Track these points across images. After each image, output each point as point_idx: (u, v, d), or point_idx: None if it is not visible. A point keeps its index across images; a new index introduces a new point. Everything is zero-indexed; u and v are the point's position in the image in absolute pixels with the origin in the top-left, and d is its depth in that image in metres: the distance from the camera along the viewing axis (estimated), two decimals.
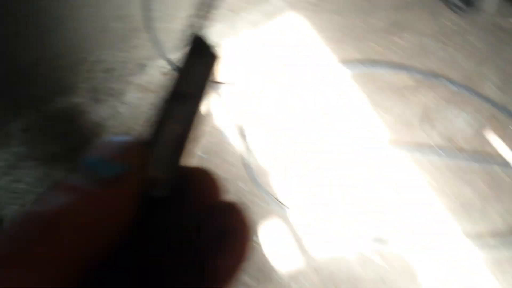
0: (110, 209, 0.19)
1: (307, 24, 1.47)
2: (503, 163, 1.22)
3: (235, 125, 1.29)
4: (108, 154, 0.20)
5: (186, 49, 0.24)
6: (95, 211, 0.18)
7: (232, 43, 1.43)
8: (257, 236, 1.13)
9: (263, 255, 1.14)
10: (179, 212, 0.22)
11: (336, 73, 1.36)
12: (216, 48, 0.25)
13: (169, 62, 1.39)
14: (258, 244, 1.13)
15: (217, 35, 1.45)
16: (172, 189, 0.23)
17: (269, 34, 1.45)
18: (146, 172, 0.22)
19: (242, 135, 1.24)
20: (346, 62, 1.39)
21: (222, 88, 1.33)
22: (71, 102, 1.33)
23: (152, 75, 1.38)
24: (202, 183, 0.23)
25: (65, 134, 1.29)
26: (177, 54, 1.42)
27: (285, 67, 1.37)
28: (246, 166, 1.22)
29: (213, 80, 0.25)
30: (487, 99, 1.32)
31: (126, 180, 0.20)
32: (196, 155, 1.25)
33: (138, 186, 0.20)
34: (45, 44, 1.44)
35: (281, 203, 1.17)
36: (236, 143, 1.27)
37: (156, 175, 0.22)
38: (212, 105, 1.32)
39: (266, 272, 1.13)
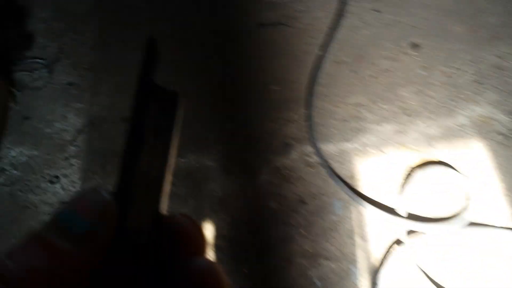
0: (80, 265, 0.18)
1: (492, 160, 1.14)
2: None
3: (368, 263, 1.02)
4: (80, 209, 0.19)
5: (139, 94, 0.22)
6: (65, 268, 0.18)
7: (394, 153, 1.15)
8: None
9: None
10: (157, 262, 0.21)
11: (506, 237, 1.03)
12: (176, 93, 0.23)
13: (318, 152, 1.15)
14: None
15: (380, 136, 1.18)
16: (151, 237, 0.21)
17: (442, 155, 1.15)
18: (121, 223, 0.20)
19: (374, 283, 0.97)
20: None
21: (367, 210, 1.06)
22: (200, 163, 1.15)
23: (294, 161, 1.15)
24: (185, 235, 0.22)
25: (176, 196, 1.11)
26: (330, 146, 1.17)
27: (448, 201, 1.07)
28: None
29: (178, 124, 0.23)
30: None
31: (97, 237, 0.19)
32: (309, 279, 1.01)
33: (108, 241, 0.20)
34: (193, 90, 1.27)
35: None
36: (362, 286, 1.01)
37: (133, 224, 0.21)
38: (347, 220, 1.07)
39: None
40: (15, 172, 1.15)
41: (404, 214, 1.06)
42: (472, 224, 1.05)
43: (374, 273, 1.03)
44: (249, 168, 1.17)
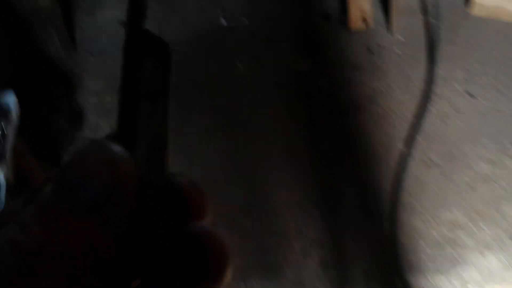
0: (98, 238, 0.15)
1: None
2: None
3: None
4: (93, 171, 0.15)
5: (129, 45, 0.20)
6: (82, 242, 0.15)
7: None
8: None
9: None
10: (155, 225, 0.18)
11: None
12: (166, 43, 0.20)
13: (406, 285, 0.89)
14: None
15: (483, 270, 0.91)
16: (157, 195, 0.18)
17: None
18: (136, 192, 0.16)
19: None
20: None
21: None
22: None
23: None
24: (187, 197, 0.18)
25: None
26: (421, 279, 0.91)
27: None
28: None
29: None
30: None
31: (114, 204, 0.15)
32: None
33: (130, 206, 0.16)
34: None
35: None
36: None
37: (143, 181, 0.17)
38: None
39: None
40: None
41: None
42: None
43: None
44: None
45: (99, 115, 1.19)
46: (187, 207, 0.18)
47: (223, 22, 1.35)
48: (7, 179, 0.76)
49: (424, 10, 1.35)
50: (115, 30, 1.36)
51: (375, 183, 1.05)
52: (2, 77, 1.17)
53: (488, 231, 0.96)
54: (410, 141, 1.09)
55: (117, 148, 0.16)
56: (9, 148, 0.75)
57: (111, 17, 1.38)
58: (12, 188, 0.82)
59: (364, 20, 1.30)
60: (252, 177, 1.07)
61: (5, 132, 0.75)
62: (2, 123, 0.77)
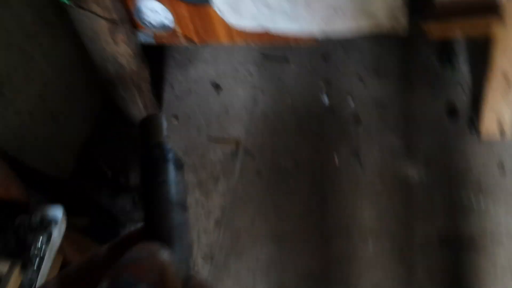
0: None
1: None
2: None
3: None
4: (146, 276, 0.17)
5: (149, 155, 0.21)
6: None
7: None
8: None
9: None
10: None
11: None
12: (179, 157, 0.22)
13: None
14: None
15: None
16: None
17: None
18: None
19: None
20: None
21: None
22: None
23: None
24: None
25: None
26: None
27: None
28: None
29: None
30: None
31: None
32: None
33: None
34: None
35: None
36: None
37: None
38: None
39: None
40: None
41: None
42: None
43: None
44: None
45: None
46: None
47: (325, 100, 1.14)
48: None
49: None
50: (204, 90, 1.20)
51: None
52: (77, 138, 1.07)
53: None
54: None
55: (165, 254, 0.17)
56: (43, 277, 0.63)
57: (203, 74, 1.23)
58: None
59: (501, 128, 1.02)
60: None
61: (41, 265, 0.63)
62: (42, 241, 0.65)
